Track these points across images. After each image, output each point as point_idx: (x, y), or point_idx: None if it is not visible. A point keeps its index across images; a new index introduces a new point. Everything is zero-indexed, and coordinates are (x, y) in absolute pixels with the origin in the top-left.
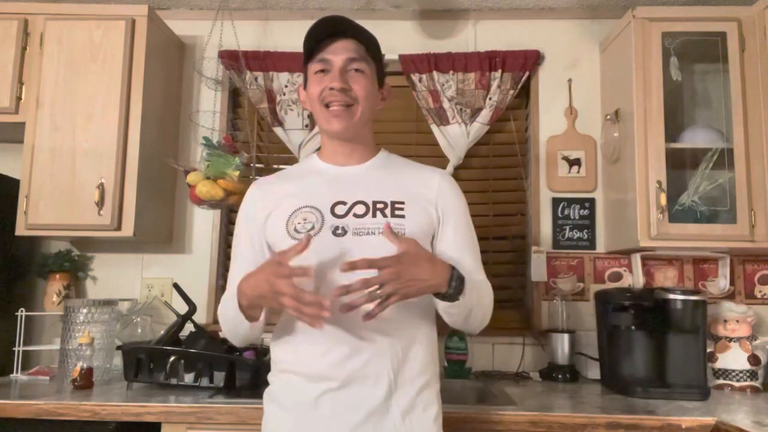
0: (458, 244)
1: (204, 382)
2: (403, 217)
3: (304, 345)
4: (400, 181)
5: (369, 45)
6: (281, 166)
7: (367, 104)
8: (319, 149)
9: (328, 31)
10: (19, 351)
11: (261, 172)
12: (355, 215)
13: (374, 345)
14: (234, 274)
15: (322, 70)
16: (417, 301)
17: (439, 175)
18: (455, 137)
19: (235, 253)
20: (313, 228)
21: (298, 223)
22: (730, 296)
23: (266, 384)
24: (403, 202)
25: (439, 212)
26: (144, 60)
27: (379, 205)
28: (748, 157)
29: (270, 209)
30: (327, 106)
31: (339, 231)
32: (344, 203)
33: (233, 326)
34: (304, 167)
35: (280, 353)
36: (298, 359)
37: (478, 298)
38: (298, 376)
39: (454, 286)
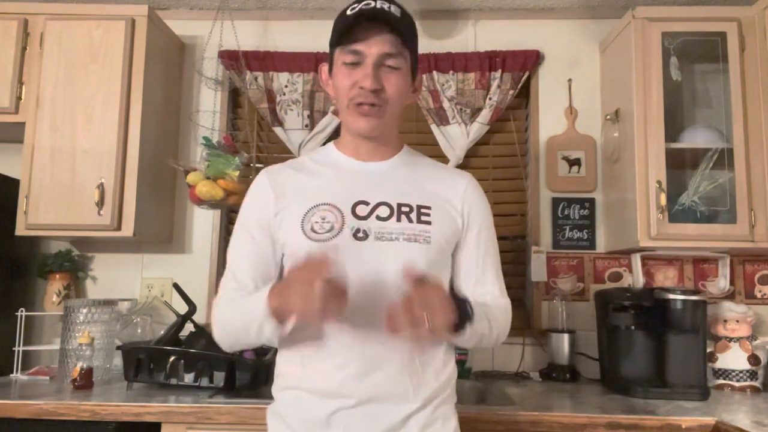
0: (481, 258)
1: (204, 382)
2: (429, 223)
3: (314, 358)
4: (425, 182)
5: (407, 36)
6: None
7: (398, 103)
8: (335, 139)
9: (364, 16)
10: (19, 351)
11: None
12: (378, 217)
13: (394, 360)
14: (233, 271)
15: (353, 63)
16: None
17: (467, 180)
18: (455, 137)
19: (236, 248)
20: (332, 229)
21: (316, 222)
22: (730, 296)
23: (266, 384)
24: (429, 207)
25: (464, 219)
26: (144, 60)
27: (404, 209)
28: (748, 157)
29: (283, 204)
30: (357, 104)
31: (360, 234)
32: (366, 203)
33: (243, 333)
34: (320, 158)
35: (286, 366)
36: (308, 374)
37: (490, 329)
38: (308, 393)
39: (464, 316)
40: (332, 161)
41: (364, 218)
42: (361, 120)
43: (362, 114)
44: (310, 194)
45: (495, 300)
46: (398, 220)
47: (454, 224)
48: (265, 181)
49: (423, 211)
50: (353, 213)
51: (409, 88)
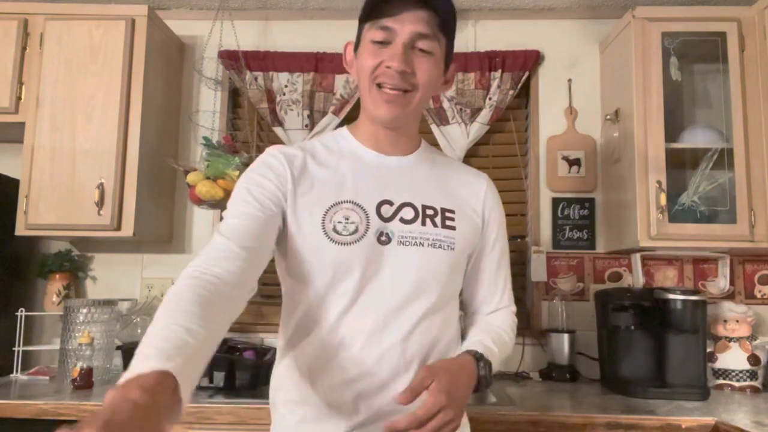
0: (495, 265)
1: (204, 382)
2: (453, 229)
3: (324, 372)
4: (447, 182)
5: (445, 18)
6: None
7: (427, 92)
8: (347, 124)
9: None
10: (19, 351)
11: None
12: (402, 220)
13: (411, 374)
14: (223, 230)
15: (381, 42)
16: (450, 326)
17: (486, 182)
18: (455, 137)
19: (235, 203)
20: (356, 231)
21: (338, 222)
22: (730, 296)
23: (266, 384)
24: (453, 211)
25: (483, 224)
26: (144, 60)
27: (428, 212)
28: (748, 157)
29: (300, 192)
30: (379, 85)
31: (383, 238)
32: (390, 203)
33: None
34: (334, 146)
35: (290, 376)
36: (316, 388)
37: (501, 360)
38: (315, 409)
39: (483, 384)
40: (349, 151)
41: (388, 220)
42: (383, 106)
43: (385, 99)
44: (329, 188)
45: (505, 317)
46: (423, 223)
47: (476, 230)
48: (281, 159)
49: (447, 215)
50: (378, 214)
51: (440, 78)
